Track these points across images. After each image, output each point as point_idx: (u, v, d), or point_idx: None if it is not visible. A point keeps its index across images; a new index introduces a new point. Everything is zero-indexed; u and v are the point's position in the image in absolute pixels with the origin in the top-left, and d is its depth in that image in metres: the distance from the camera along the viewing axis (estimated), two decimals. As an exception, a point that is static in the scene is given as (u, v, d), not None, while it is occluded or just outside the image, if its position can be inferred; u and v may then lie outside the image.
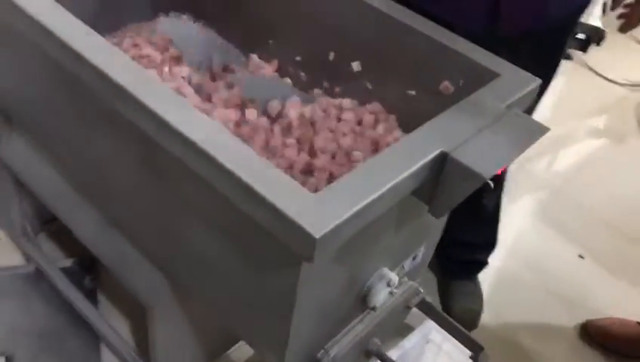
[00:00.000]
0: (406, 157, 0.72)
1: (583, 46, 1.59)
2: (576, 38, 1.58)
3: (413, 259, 1.04)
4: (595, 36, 1.55)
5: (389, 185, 0.68)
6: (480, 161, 0.71)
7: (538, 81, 0.88)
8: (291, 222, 0.62)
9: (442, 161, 0.73)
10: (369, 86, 1.06)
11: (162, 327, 1.13)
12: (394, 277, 0.94)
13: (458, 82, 0.93)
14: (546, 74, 1.26)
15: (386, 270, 0.94)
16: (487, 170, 0.70)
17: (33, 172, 1.24)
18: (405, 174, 0.70)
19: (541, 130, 0.78)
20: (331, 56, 1.09)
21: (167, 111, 0.72)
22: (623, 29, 1.25)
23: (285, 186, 0.66)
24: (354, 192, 0.67)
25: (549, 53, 1.21)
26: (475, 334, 1.58)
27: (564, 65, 2.80)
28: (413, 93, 1.00)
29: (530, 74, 0.88)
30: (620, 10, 1.24)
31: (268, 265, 0.77)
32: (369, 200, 0.66)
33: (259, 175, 0.66)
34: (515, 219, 1.95)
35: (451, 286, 1.64)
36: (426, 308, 1.09)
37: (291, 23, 1.13)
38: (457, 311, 1.60)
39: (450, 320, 1.08)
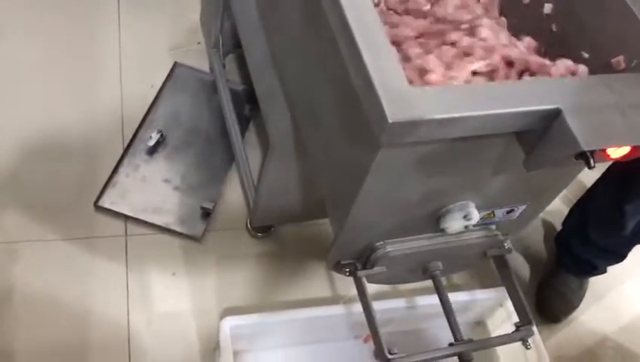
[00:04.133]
0: (522, 97, 0.72)
1: None
2: None
3: (508, 212, 1.04)
4: None
5: (481, 112, 0.69)
6: (587, 132, 0.69)
7: None
8: (379, 102, 0.68)
9: (555, 116, 0.72)
10: (554, 28, 1.01)
11: (274, 165, 1.26)
12: (474, 213, 0.96)
13: (632, 62, 0.87)
14: None
15: (470, 204, 0.96)
16: (587, 142, 0.68)
17: (237, -6, 1.39)
18: (505, 110, 0.70)
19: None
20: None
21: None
22: None
23: (393, 74, 0.70)
24: (451, 102, 0.69)
25: None
26: (556, 326, 1.55)
27: None
28: (586, 56, 0.95)
29: None
30: None
31: (356, 141, 0.84)
32: (457, 115, 0.69)
33: (377, 59, 0.71)
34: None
35: (559, 275, 1.58)
36: (499, 263, 1.09)
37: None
38: (551, 296, 1.55)
39: (515, 283, 1.08)
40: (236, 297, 1.44)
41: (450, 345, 1.00)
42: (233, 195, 1.58)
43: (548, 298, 1.56)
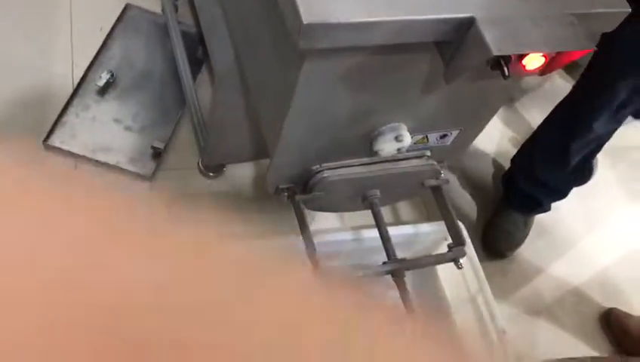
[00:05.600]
0: (438, 5, 0.74)
1: None
2: None
3: (442, 137, 1.07)
4: None
5: (397, 17, 0.71)
6: (499, 38, 0.72)
7: (626, 10, 0.82)
8: (295, 5, 0.69)
9: (469, 25, 0.74)
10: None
11: (222, 98, 1.27)
12: (406, 135, 0.98)
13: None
14: None
15: (402, 126, 0.98)
16: (499, 48, 0.71)
17: None
18: (421, 17, 0.72)
19: (582, 45, 0.75)
20: None
21: None
22: None
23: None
24: (367, 6, 0.71)
25: None
26: (499, 263, 1.60)
27: None
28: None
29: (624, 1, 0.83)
30: None
31: (283, 57, 0.86)
32: (372, 20, 0.70)
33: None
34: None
35: (504, 213, 1.63)
36: (437, 194, 1.12)
37: None
38: (496, 233, 1.60)
39: (450, 208, 1.11)
40: (188, 235, 1.46)
41: (384, 263, 1.03)
42: (185, 136, 1.58)
43: (493, 235, 1.61)
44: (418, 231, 1.41)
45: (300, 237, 1.32)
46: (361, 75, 0.84)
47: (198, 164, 1.54)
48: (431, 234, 1.43)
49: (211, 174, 1.55)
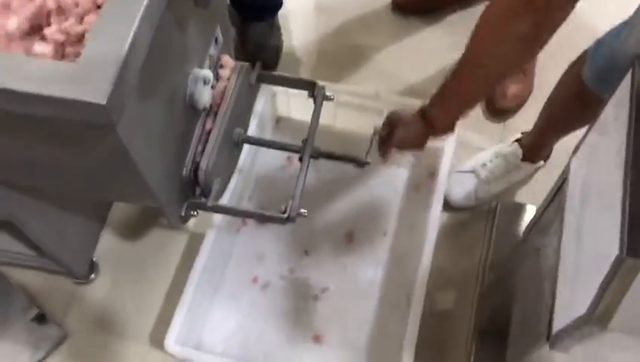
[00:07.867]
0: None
1: None
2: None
3: (216, 41, 1.04)
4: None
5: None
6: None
7: None
8: (70, 102, 0.61)
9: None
10: None
11: (37, 228, 1.13)
12: (204, 71, 0.95)
13: None
14: None
15: (195, 70, 0.95)
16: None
17: None
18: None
19: None
20: None
21: None
22: None
23: (46, 69, 0.62)
24: (116, 34, 0.64)
25: None
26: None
27: None
28: None
29: None
30: None
31: (96, 145, 0.77)
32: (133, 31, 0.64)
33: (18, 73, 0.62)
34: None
35: (249, 31, 1.59)
36: (263, 78, 1.13)
37: None
38: (262, 52, 1.58)
39: (280, 76, 1.13)
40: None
41: (299, 158, 1.08)
42: (40, 280, 1.40)
43: (263, 55, 1.57)
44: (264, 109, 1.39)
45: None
46: (148, 77, 0.77)
47: (73, 281, 1.40)
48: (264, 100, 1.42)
49: (92, 276, 1.41)
